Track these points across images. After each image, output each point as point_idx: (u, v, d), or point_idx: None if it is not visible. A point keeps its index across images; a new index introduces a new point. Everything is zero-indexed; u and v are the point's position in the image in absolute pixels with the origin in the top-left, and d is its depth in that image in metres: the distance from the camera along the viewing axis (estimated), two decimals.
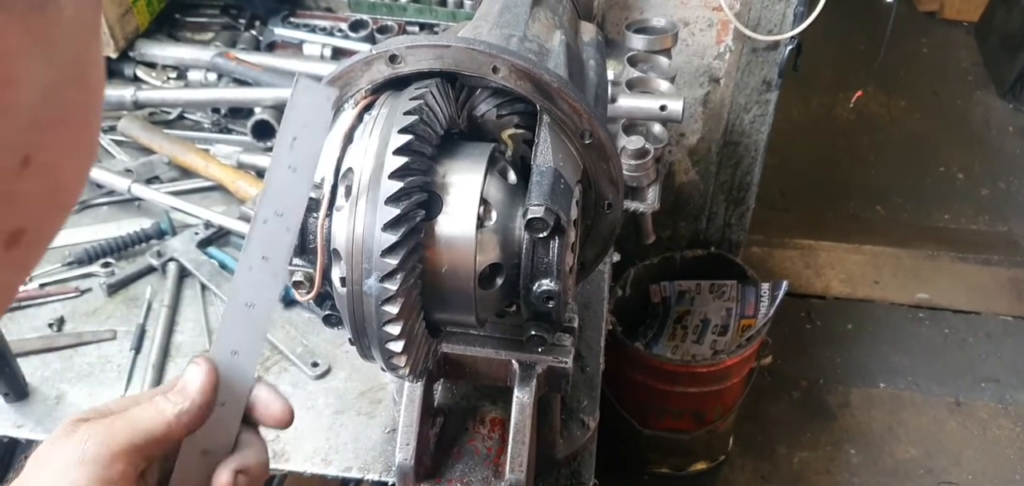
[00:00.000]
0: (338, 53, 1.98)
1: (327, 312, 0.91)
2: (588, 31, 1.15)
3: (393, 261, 0.79)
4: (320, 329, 1.45)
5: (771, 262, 3.48)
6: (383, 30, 2.03)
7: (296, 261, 0.88)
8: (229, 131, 1.83)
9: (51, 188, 0.36)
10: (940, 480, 2.87)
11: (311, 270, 0.87)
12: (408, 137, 0.81)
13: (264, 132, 1.74)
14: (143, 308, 1.46)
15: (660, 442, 2.63)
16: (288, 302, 1.48)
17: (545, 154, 0.87)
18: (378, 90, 0.91)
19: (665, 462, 2.72)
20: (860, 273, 3.51)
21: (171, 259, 1.53)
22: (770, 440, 2.95)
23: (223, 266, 1.53)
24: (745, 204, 2.66)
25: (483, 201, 0.85)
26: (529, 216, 0.82)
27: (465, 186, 0.85)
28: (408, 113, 0.83)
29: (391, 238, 0.79)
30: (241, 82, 1.86)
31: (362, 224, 0.80)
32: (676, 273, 2.72)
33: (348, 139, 0.87)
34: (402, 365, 0.85)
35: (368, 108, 0.90)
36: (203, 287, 1.50)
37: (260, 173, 1.71)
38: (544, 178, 0.85)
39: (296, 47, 2.02)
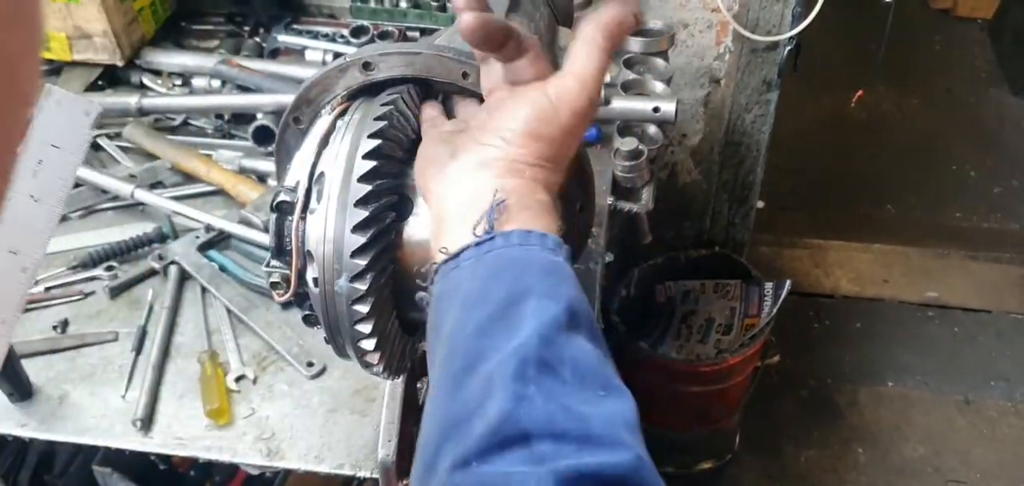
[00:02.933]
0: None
1: (306, 312, 0.94)
2: (565, 37, 1.17)
3: (362, 262, 0.82)
4: (316, 331, 1.48)
5: (780, 261, 3.49)
6: (384, 35, 2.06)
7: (273, 262, 0.91)
8: (232, 137, 1.86)
9: (8, 87, 0.36)
10: (948, 478, 2.87)
11: (288, 271, 0.90)
12: (377, 142, 0.84)
13: (265, 137, 1.78)
14: (144, 310, 1.50)
15: (665, 441, 2.64)
16: (285, 303, 1.51)
17: None
18: (354, 96, 0.94)
19: (671, 461, 2.74)
20: (869, 272, 3.51)
21: (172, 262, 1.57)
22: (777, 439, 2.96)
23: (223, 269, 1.56)
24: (748, 203, 2.67)
25: None
26: None
27: None
28: (378, 118, 0.86)
29: (360, 239, 0.82)
30: (244, 88, 1.90)
31: (333, 226, 0.83)
32: (681, 273, 2.74)
33: (324, 143, 0.91)
34: (375, 363, 0.89)
35: (343, 114, 0.93)
36: (203, 289, 1.54)
37: (261, 177, 1.74)
38: None
39: (298, 53, 2.06)
